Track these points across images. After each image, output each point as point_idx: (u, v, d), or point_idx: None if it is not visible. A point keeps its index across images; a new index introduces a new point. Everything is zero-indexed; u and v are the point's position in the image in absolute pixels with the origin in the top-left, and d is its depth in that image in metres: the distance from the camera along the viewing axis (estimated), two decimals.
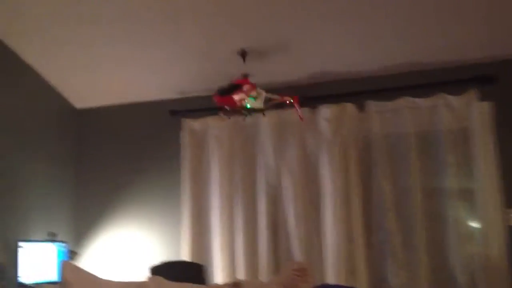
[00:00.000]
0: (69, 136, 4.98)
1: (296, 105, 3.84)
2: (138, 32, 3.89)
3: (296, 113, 3.88)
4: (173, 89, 4.63)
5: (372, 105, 4.19)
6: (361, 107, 4.25)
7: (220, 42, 3.97)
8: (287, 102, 3.84)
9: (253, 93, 3.73)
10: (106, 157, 4.93)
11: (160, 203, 4.68)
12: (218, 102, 3.77)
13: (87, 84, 4.69)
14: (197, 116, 4.61)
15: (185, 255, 4.40)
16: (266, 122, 4.39)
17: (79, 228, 4.83)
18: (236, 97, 3.71)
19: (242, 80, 3.78)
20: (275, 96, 3.82)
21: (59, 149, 4.81)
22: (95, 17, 3.73)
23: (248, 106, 3.74)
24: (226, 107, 3.80)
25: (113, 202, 4.79)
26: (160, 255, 4.47)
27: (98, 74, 4.50)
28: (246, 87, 3.72)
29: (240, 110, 3.80)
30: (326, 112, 4.26)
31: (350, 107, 4.24)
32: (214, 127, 4.54)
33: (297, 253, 4.16)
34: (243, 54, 3.99)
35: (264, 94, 3.78)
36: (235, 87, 3.71)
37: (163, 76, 4.47)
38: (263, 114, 3.98)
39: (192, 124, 4.62)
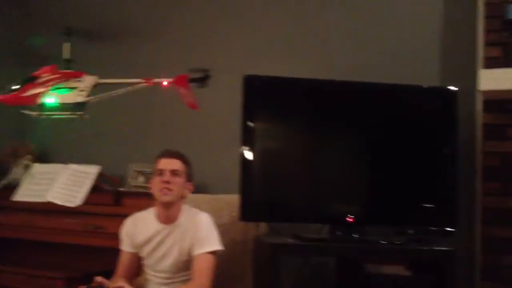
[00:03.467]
0: None
1: (183, 89, 2.75)
2: None
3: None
4: None
5: None
6: None
7: None
8: (164, 84, 2.75)
9: (63, 83, 2.77)
10: None
11: None
12: (2, 101, 2.80)
13: None
14: None
15: None
16: None
17: None
18: (28, 92, 2.74)
19: (44, 70, 2.86)
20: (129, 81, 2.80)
21: None
22: None
23: (46, 102, 2.70)
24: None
25: None
26: None
27: None
28: (45, 77, 2.79)
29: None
30: None
31: None
32: None
33: None
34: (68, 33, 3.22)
35: (94, 81, 2.79)
36: (27, 80, 2.80)
37: None
38: (82, 115, 2.74)
39: None
